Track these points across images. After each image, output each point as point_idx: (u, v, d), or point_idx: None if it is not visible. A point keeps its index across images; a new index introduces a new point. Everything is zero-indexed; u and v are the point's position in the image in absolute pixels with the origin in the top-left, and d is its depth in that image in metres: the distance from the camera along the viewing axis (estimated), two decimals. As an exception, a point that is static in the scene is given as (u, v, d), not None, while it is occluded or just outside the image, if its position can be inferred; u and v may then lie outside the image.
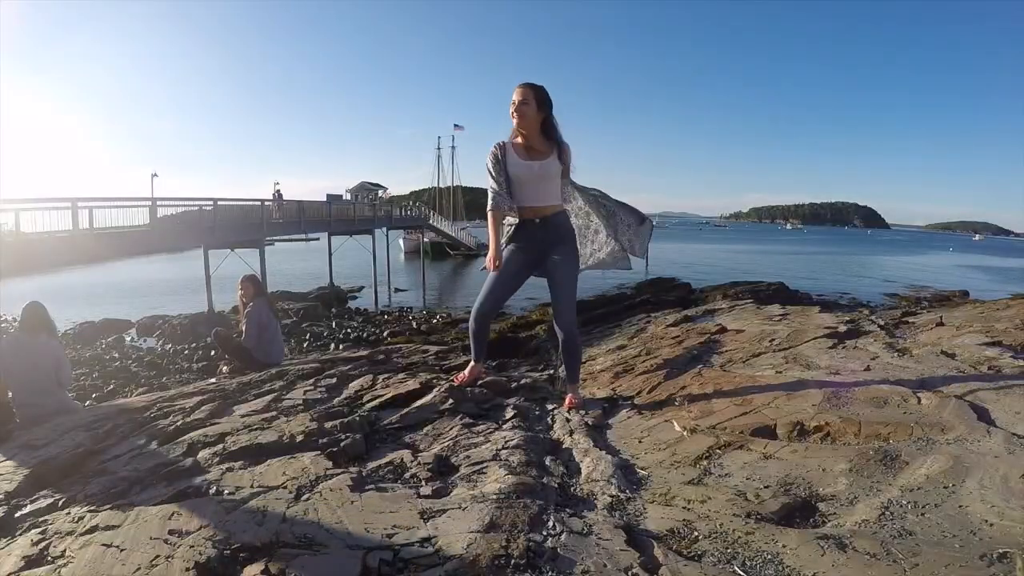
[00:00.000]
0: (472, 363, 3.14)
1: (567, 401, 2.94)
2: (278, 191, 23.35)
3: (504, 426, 2.60)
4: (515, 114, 2.70)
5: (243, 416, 2.75)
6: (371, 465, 2.16)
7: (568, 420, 2.73)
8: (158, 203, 15.22)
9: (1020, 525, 1.54)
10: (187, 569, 1.48)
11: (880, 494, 1.78)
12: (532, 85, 2.72)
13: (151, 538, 1.63)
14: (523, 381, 3.41)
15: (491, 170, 2.75)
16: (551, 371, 4.39)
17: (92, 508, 1.88)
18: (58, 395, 3.78)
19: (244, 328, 4.83)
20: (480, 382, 3.13)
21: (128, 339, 16.40)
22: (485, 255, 2.83)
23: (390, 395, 2.98)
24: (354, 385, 3.26)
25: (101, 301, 21.45)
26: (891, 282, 33.43)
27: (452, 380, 3.14)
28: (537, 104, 2.70)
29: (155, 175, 24.63)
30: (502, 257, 2.77)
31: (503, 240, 2.88)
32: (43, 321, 3.90)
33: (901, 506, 1.70)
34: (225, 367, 5.23)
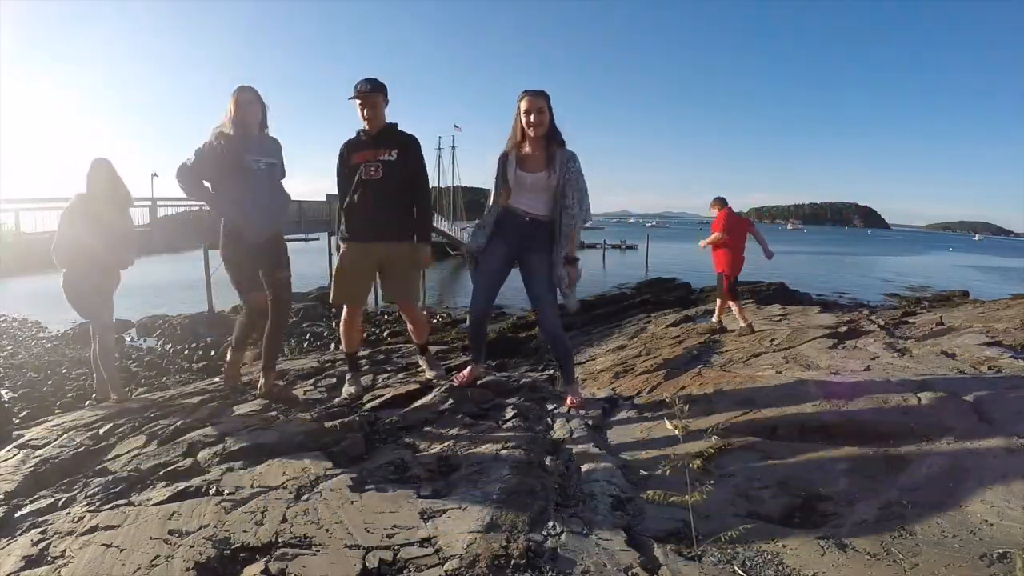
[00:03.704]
0: (472, 363, 3.15)
1: (568, 402, 2.94)
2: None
3: (504, 426, 2.60)
4: (530, 124, 2.66)
5: (243, 416, 2.75)
6: (371, 465, 2.16)
7: (568, 420, 2.73)
8: (158, 203, 15.22)
9: (1020, 525, 1.54)
10: (187, 569, 1.48)
11: (880, 494, 1.78)
12: (543, 92, 2.68)
13: (151, 538, 1.63)
14: (523, 381, 3.41)
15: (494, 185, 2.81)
16: (551, 371, 4.39)
17: (92, 508, 1.88)
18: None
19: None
20: (480, 382, 3.13)
21: (128, 339, 16.37)
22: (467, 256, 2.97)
23: (390, 395, 2.98)
24: (354, 385, 3.25)
25: (101, 301, 21.39)
26: (891, 282, 33.38)
27: (452, 380, 3.14)
28: (550, 112, 2.68)
29: (155, 175, 24.56)
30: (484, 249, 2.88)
31: (488, 225, 2.86)
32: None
33: (901, 506, 1.70)
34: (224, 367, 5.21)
